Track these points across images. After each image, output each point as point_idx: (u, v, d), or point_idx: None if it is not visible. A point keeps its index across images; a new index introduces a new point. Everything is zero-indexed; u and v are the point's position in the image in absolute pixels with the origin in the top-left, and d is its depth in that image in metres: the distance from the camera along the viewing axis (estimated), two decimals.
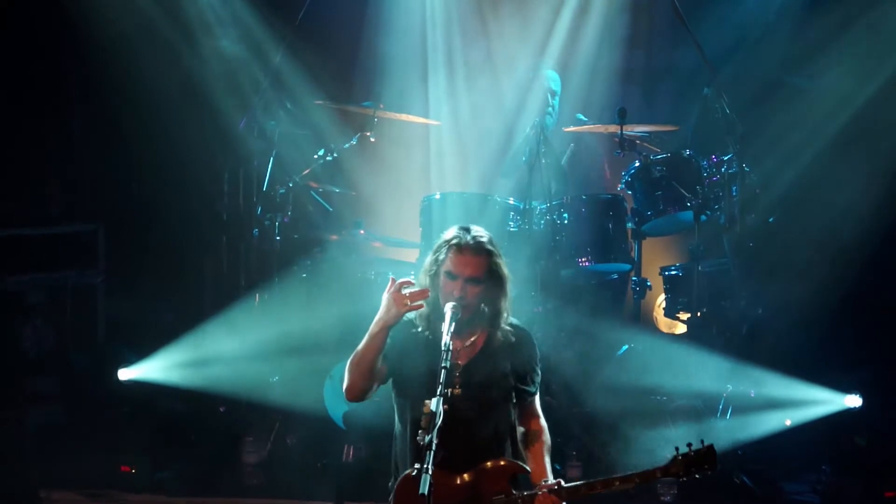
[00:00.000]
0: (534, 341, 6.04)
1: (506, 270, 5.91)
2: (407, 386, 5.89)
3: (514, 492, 5.66)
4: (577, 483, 5.64)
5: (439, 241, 5.92)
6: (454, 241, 5.83)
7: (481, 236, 5.86)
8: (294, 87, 10.81)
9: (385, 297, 5.71)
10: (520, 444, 5.94)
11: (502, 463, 5.73)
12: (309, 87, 10.88)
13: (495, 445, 5.81)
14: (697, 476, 5.60)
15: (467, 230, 5.87)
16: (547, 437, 5.98)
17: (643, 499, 8.47)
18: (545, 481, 5.71)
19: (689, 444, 5.59)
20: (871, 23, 9.94)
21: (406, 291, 5.68)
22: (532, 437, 5.97)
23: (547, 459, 5.91)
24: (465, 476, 5.66)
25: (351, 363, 5.78)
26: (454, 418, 5.45)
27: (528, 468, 5.75)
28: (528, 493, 5.64)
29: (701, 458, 5.58)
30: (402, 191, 11.33)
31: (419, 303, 5.69)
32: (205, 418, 9.66)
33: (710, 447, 5.59)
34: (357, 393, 5.85)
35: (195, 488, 8.75)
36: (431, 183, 11.48)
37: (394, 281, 5.71)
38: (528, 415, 6.01)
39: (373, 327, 5.72)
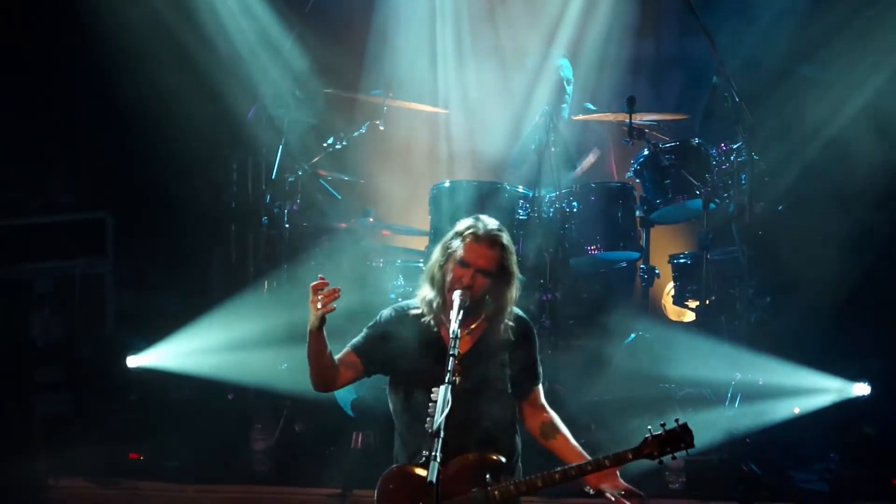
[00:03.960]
0: (534, 331, 6.07)
1: (516, 268, 5.94)
2: (401, 373, 5.93)
3: (490, 484, 5.59)
4: (553, 471, 5.60)
5: (455, 229, 5.94)
6: (472, 230, 5.86)
7: (499, 231, 5.88)
8: (303, 75, 10.79)
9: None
10: (541, 437, 5.96)
11: (478, 457, 5.66)
12: (318, 75, 10.87)
13: (494, 435, 5.81)
14: (674, 456, 5.57)
15: (486, 223, 5.89)
16: (561, 423, 5.98)
17: (651, 486, 8.43)
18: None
19: (663, 424, 5.58)
20: (881, 11, 9.91)
21: (320, 294, 5.66)
22: (550, 428, 5.96)
23: (577, 444, 5.88)
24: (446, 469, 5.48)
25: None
26: (453, 406, 5.33)
27: (502, 459, 5.68)
28: (503, 484, 5.60)
29: (675, 437, 5.56)
30: (411, 179, 11.33)
31: (332, 305, 5.67)
32: (213, 406, 9.68)
33: (685, 425, 5.57)
34: (318, 387, 6.02)
35: (203, 476, 8.76)
36: (440, 171, 11.49)
37: (314, 289, 5.67)
38: (535, 406, 6.02)
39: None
